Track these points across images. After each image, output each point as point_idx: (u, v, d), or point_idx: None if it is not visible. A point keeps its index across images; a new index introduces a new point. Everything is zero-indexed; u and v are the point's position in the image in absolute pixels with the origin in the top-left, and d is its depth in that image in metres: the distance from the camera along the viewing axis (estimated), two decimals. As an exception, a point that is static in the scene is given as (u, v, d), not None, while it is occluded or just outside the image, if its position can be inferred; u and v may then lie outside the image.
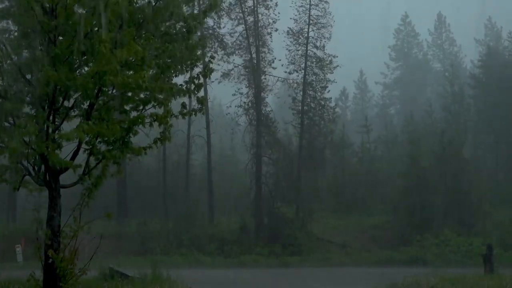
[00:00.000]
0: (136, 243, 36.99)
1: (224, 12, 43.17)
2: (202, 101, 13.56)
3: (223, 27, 43.29)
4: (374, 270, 30.15)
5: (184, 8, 13.10)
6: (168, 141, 13.64)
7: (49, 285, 12.60)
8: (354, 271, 29.89)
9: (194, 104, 13.76)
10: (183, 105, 13.50)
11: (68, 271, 12.52)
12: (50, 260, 12.44)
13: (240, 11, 42.78)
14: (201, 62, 13.87)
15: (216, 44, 42.87)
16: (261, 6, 42.75)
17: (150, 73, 12.46)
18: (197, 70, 13.74)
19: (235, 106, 42.26)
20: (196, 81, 13.31)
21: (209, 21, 42.74)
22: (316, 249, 38.03)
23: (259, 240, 38.44)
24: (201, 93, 14.19)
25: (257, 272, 30.09)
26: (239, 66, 42.67)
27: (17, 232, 33.24)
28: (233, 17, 42.97)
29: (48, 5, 11.62)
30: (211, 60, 13.91)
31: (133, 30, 11.67)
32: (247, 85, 42.58)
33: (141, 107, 12.99)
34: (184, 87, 13.21)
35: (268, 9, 42.52)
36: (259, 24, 42.61)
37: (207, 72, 13.52)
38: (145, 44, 12.10)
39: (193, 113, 13.64)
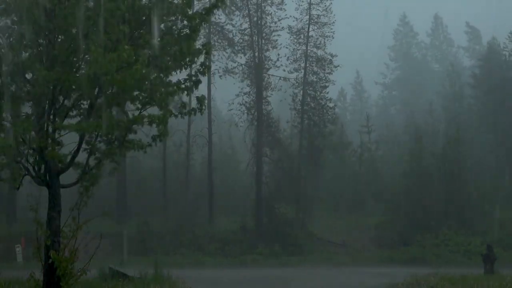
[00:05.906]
0: (136, 243, 36.93)
1: (234, 8, 42.96)
2: (202, 100, 13.44)
3: (235, 25, 43.24)
4: (374, 270, 30.11)
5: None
6: (165, 137, 13.53)
7: (49, 285, 12.59)
8: (354, 271, 29.84)
9: (196, 104, 13.57)
10: (183, 105, 13.43)
11: (68, 271, 12.51)
12: (50, 260, 12.43)
13: (247, 8, 42.56)
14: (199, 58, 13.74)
15: (226, 42, 42.75)
16: (267, 4, 42.59)
17: (151, 75, 12.44)
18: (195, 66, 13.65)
19: (239, 104, 42.21)
20: (194, 78, 13.20)
21: (221, 18, 42.69)
22: (316, 249, 38.03)
23: (259, 240, 38.41)
24: (204, 92, 14.16)
25: (257, 272, 30.07)
26: (243, 65, 42.58)
27: (17, 232, 33.19)
28: (238, 13, 42.90)
29: (48, 7, 11.61)
30: (207, 57, 13.65)
31: (125, 31, 11.55)
32: (250, 83, 42.46)
33: (140, 107, 12.99)
34: (182, 85, 13.11)
35: (272, 6, 42.38)
36: (264, 22, 42.43)
37: (204, 69, 13.39)
38: (144, 43, 12.07)
39: (193, 112, 13.51)
